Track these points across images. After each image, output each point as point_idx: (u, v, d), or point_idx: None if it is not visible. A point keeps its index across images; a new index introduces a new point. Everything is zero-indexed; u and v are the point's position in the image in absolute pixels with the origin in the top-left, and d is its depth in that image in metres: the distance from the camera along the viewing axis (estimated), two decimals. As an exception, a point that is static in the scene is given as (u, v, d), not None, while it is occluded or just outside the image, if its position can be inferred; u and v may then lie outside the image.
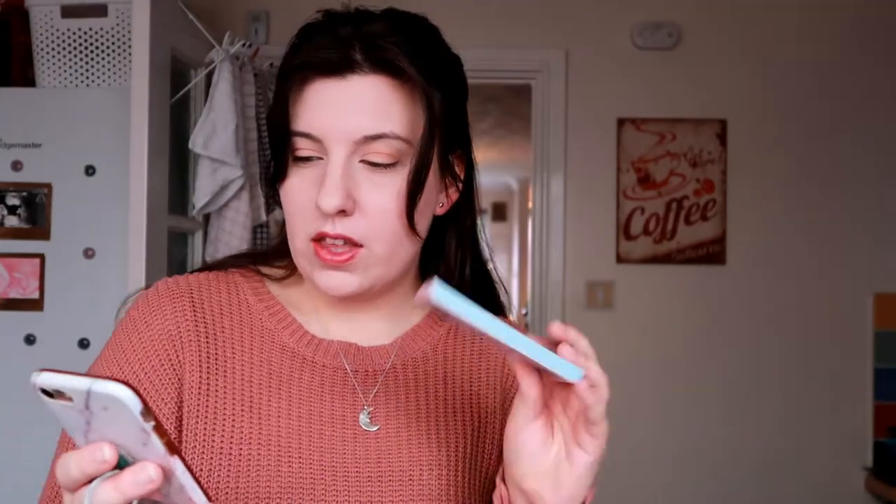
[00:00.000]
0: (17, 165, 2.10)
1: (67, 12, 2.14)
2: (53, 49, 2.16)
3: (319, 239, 0.76)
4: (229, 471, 0.75)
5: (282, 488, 0.76)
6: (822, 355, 2.94)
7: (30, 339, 2.08)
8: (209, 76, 2.28)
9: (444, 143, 0.80)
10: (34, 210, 2.10)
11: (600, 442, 0.66)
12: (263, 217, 2.45)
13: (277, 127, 0.78)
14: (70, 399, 0.50)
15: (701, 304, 2.96)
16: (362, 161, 0.76)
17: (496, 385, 0.88)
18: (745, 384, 2.94)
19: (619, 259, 2.97)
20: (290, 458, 0.77)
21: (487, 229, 1.01)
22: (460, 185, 0.85)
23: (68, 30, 2.15)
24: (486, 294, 0.92)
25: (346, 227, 0.76)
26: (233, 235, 2.26)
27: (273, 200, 0.84)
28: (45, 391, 0.51)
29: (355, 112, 0.75)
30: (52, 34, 2.15)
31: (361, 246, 0.77)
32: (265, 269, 0.88)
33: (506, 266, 9.24)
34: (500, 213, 9.52)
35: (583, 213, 2.99)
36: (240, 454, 0.76)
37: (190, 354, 0.79)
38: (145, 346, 0.79)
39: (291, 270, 0.87)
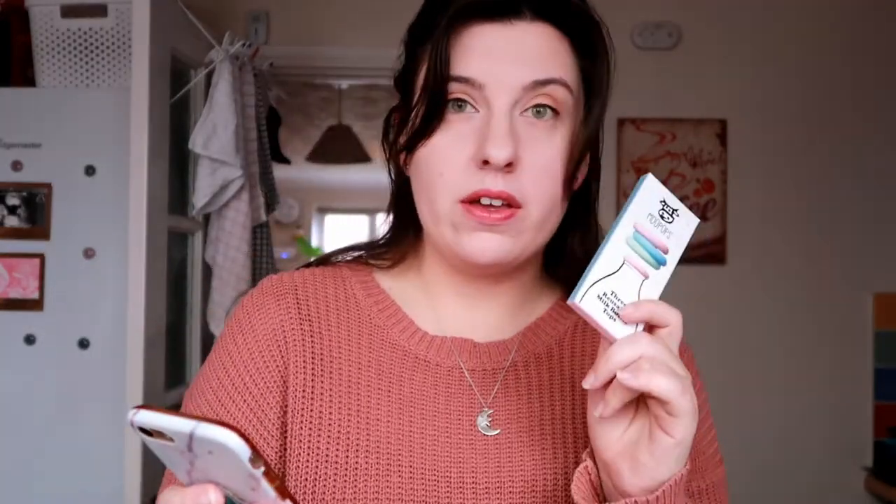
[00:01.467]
0: (17, 165, 2.10)
1: (67, 12, 2.14)
2: (53, 49, 2.16)
3: (473, 200, 0.69)
4: (335, 479, 0.70)
5: (391, 499, 0.70)
6: (822, 355, 2.93)
7: (30, 339, 2.08)
8: (209, 76, 2.28)
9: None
10: (34, 210, 2.10)
11: (683, 421, 0.58)
12: (263, 217, 2.45)
13: (431, 73, 0.70)
14: (171, 440, 0.46)
15: (701, 304, 2.96)
16: (523, 113, 0.70)
17: None
18: (745, 384, 2.94)
19: (619, 259, 2.97)
20: (400, 467, 0.71)
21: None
22: (589, 159, 0.80)
23: (68, 30, 2.15)
24: None
25: (510, 184, 0.69)
26: (233, 235, 2.26)
27: (402, 166, 0.78)
28: (142, 429, 0.47)
29: (522, 57, 0.70)
30: (52, 34, 2.15)
31: (520, 207, 0.70)
32: (374, 260, 0.82)
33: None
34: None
35: (583, 213, 2.98)
36: (346, 462, 0.71)
37: (294, 355, 0.74)
38: (250, 349, 0.75)
39: (398, 259, 0.82)
